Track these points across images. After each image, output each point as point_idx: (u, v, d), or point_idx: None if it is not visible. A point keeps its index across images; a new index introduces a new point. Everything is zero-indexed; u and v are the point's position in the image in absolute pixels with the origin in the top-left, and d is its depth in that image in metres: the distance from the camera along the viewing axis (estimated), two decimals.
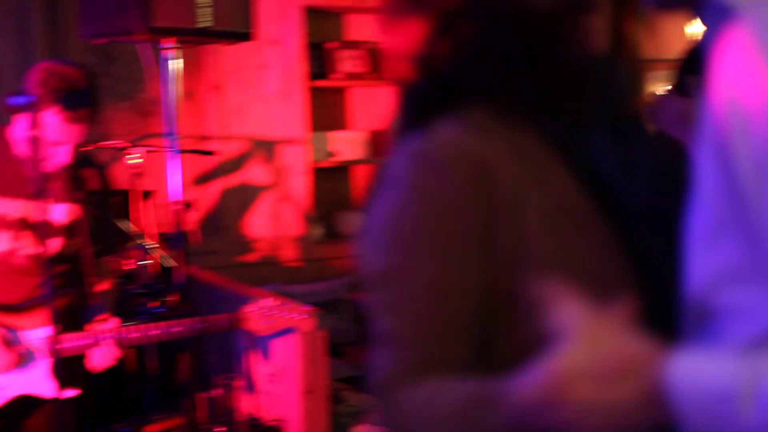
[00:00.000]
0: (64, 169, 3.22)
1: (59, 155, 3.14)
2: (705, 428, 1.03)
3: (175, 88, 3.85)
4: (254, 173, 5.45)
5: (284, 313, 3.34)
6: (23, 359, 3.22)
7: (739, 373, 1.01)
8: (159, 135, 5.51)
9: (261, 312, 3.29)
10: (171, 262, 4.59)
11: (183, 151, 3.90)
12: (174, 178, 3.87)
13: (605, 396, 1.05)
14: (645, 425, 1.08)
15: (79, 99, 3.04)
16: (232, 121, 5.43)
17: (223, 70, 5.43)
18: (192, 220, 3.89)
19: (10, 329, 3.20)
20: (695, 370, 1.04)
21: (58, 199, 3.24)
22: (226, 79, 5.44)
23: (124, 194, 4.52)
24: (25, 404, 3.23)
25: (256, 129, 5.43)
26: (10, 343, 3.20)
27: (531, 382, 1.09)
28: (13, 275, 3.23)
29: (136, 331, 3.23)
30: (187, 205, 3.81)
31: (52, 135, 3.04)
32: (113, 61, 5.48)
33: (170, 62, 3.84)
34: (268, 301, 3.36)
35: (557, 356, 1.07)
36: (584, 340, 1.06)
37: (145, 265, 3.96)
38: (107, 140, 4.61)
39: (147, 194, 4.45)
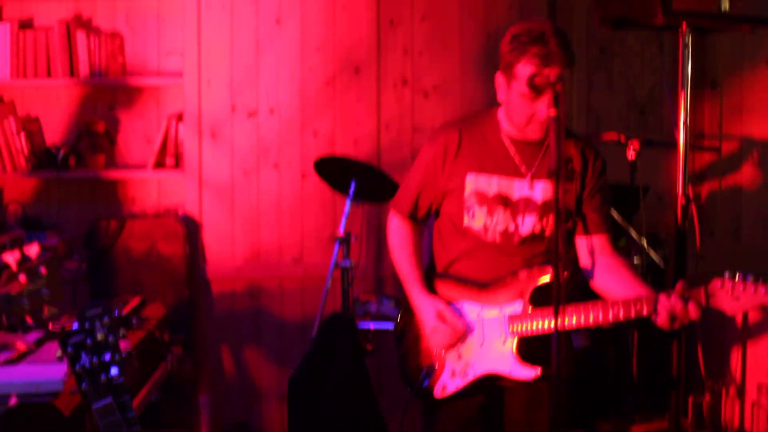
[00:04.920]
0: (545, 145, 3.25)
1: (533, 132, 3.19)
2: None
3: (684, 80, 3.75)
4: (748, 176, 5.19)
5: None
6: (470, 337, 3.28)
7: None
8: (657, 130, 5.44)
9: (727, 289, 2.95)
10: (659, 261, 4.50)
11: (694, 147, 3.78)
12: (677, 174, 3.77)
13: None
14: None
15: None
16: (729, 118, 5.22)
17: (723, 64, 5.24)
18: (692, 219, 3.77)
19: (476, 305, 3.29)
20: None
21: (538, 177, 3.25)
22: (724, 74, 5.24)
23: (624, 188, 4.49)
24: (489, 382, 3.30)
25: (755, 129, 5.17)
26: (455, 320, 3.28)
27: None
28: (487, 252, 3.30)
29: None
30: (691, 202, 3.69)
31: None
32: (612, 55, 5.50)
33: (683, 50, 3.74)
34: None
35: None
36: None
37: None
38: (603, 133, 4.61)
39: (645, 190, 4.39)
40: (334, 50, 5.34)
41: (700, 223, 5.03)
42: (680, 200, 3.76)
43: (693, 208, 3.80)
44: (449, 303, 3.34)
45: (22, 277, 2.15)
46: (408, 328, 3.46)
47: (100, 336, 2.54)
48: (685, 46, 3.77)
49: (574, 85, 5.43)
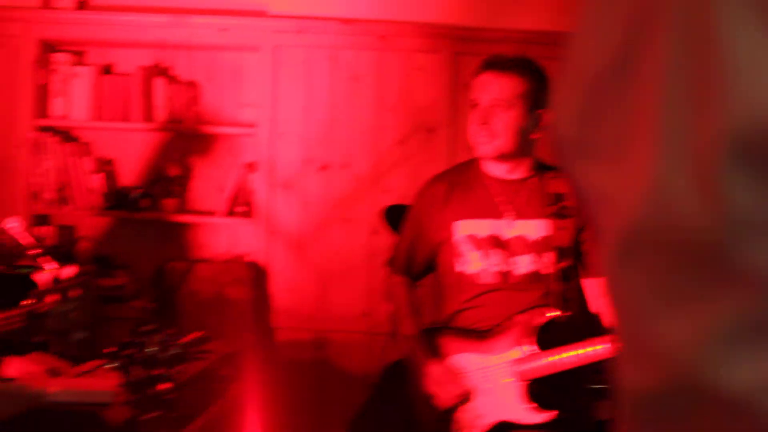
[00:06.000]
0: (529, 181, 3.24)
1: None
2: None
3: None
4: None
5: None
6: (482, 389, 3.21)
7: None
8: None
9: None
10: None
11: None
12: None
13: None
14: None
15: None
16: None
17: None
18: None
19: (478, 355, 3.24)
20: None
21: (529, 215, 3.23)
22: None
23: None
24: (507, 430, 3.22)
25: None
26: (456, 378, 3.24)
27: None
28: (486, 298, 3.26)
29: None
30: None
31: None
32: None
33: None
34: None
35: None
36: None
37: None
38: None
39: None
40: (408, 110, 5.38)
41: None
42: None
43: None
44: (451, 356, 3.30)
45: (50, 298, 2.16)
46: (417, 385, 3.42)
47: (152, 350, 2.54)
48: None
49: None
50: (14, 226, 3.28)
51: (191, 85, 5.40)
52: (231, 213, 5.34)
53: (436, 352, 3.32)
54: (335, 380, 5.37)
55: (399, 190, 5.35)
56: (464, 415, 3.25)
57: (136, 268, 5.31)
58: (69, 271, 3.16)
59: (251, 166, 5.36)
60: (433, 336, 3.37)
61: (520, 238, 3.25)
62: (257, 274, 5.28)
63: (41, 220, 5.32)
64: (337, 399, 5.35)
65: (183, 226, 5.46)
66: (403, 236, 3.50)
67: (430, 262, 3.43)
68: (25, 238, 3.29)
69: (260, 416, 5.21)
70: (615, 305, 0.75)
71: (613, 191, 0.71)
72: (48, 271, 3.09)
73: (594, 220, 0.74)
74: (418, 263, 3.45)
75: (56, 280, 2.79)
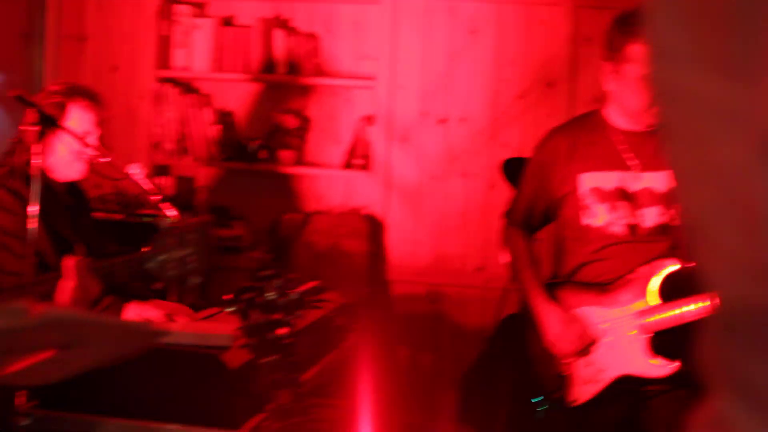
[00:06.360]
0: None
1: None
2: None
3: None
4: None
5: None
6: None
7: None
8: None
9: None
10: None
11: None
12: None
13: None
14: None
15: None
16: None
17: None
18: None
19: (600, 308, 3.18)
20: None
21: (656, 167, 3.13)
22: None
23: None
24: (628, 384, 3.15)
25: None
26: (579, 327, 3.19)
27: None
28: (611, 251, 3.20)
29: None
30: None
31: None
32: None
33: None
34: None
35: None
36: None
37: None
38: None
39: None
40: (527, 64, 5.29)
41: None
42: None
43: None
44: (572, 310, 3.24)
45: (170, 242, 2.17)
46: (534, 338, 3.35)
47: (271, 296, 2.55)
48: None
49: None
50: (137, 172, 3.32)
51: (311, 37, 5.40)
52: (348, 165, 5.35)
53: (557, 305, 3.28)
54: (449, 334, 5.36)
55: (517, 144, 5.28)
56: (585, 369, 3.20)
57: (253, 219, 5.37)
58: (188, 218, 3.20)
59: (369, 119, 5.35)
60: (554, 289, 3.32)
61: (647, 190, 3.18)
62: (373, 227, 5.28)
63: (161, 170, 5.41)
64: (450, 353, 5.34)
65: (300, 179, 5.49)
66: (522, 189, 3.45)
67: (550, 215, 3.37)
68: (146, 185, 3.34)
69: (374, 368, 5.24)
70: None
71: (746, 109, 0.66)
72: (168, 218, 3.13)
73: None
74: (538, 216, 3.40)
75: (175, 227, 2.82)
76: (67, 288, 1.88)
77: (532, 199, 3.39)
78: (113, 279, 2.25)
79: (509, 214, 3.49)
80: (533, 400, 3.31)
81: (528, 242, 3.45)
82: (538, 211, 3.40)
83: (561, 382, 3.23)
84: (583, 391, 3.21)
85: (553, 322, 3.25)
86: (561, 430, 3.34)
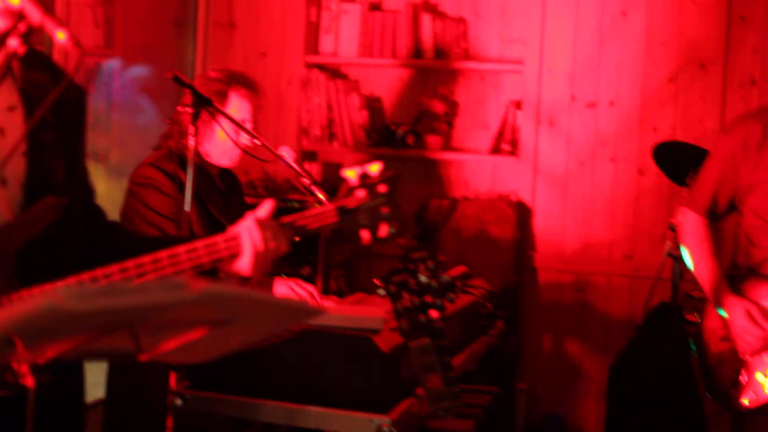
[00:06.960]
0: None
1: None
2: None
3: None
4: None
5: None
6: None
7: None
8: None
9: None
10: None
11: None
12: None
13: None
14: None
15: None
16: None
17: None
18: None
19: None
20: None
21: None
22: None
23: None
24: None
25: None
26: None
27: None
28: None
29: None
30: None
31: None
32: None
33: None
34: None
35: None
36: None
37: None
38: None
39: None
40: (679, 45, 5.14)
41: None
42: None
43: None
44: (758, 303, 3.12)
45: (361, 192, 2.17)
46: (710, 332, 3.22)
47: (423, 278, 2.53)
48: None
49: None
50: (288, 154, 3.35)
51: (459, 21, 5.37)
52: (495, 151, 5.31)
53: (743, 298, 3.17)
54: (596, 323, 5.27)
55: (669, 128, 5.15)
56: (765, 368, 3.07)
57: (400, 203, 5.36)
58: (377, 167, 3.19)
59: (517, 104, 5.30)
60: (736, 281, 3.21)
61: None
62: (521, 213, 5.23)
63: (308, 156, 5.46)
64: (598, 342, 5.26)
65: (446, 164, 5.48)
66: (708, 174, 3.33)
67: (736, 203, 3.25)
68: (297, 168, 3.37)
69: (519, 355, 5.20)
70: None
71: None
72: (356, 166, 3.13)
73: None
74: (723, 204, 3.29)
75: (365, 176, 2.84)
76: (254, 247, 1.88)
77: (719, 186, 3.28)
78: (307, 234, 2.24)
79: (691, 200, 3.38)
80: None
81: (711, 231, 3.33)
82: (723, 198, 3.29)
83: (735, 379, 3.11)
84: (761, 392, 3.09)
85: (738, 315, 3.13)
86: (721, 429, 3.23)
